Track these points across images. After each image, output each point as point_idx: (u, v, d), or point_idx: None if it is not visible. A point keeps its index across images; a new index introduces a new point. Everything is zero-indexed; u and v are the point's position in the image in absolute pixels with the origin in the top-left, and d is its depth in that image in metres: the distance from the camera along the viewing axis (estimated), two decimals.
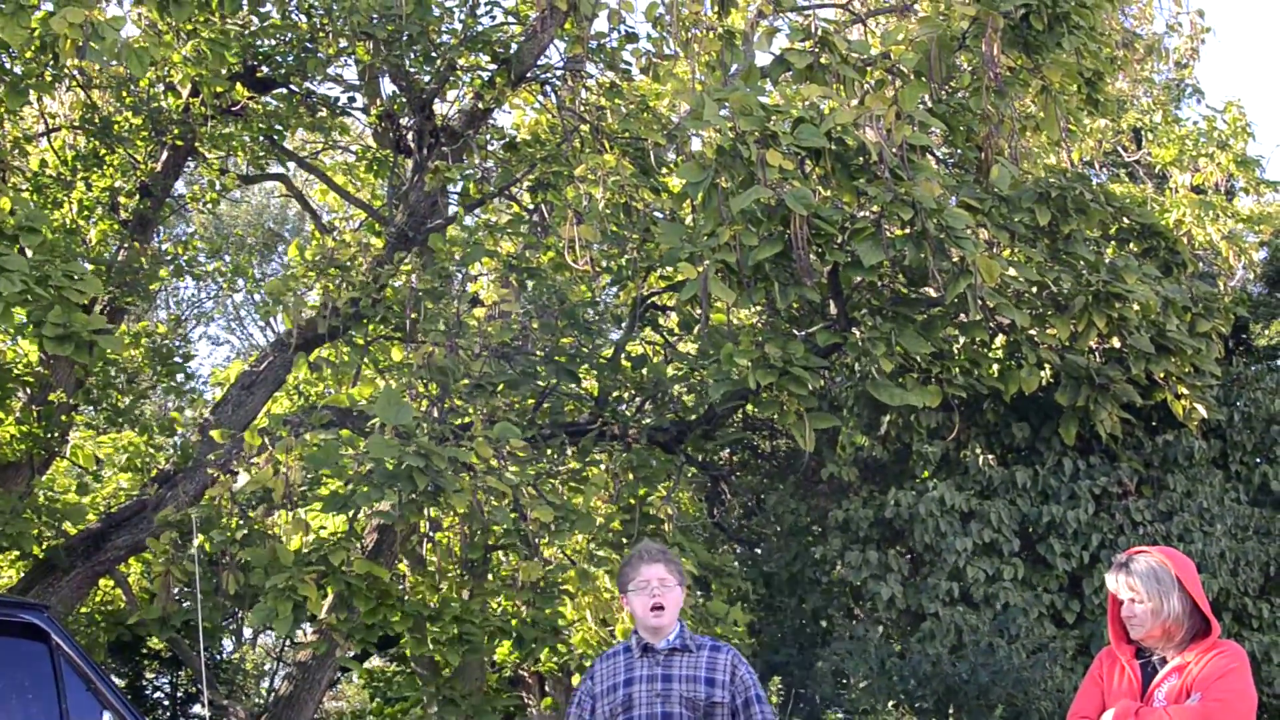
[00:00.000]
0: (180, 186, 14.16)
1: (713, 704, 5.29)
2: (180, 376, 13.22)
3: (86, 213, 11.90)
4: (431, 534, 10.99)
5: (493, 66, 11.61)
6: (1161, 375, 11.58)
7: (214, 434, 10.41)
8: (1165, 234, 12.26)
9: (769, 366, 9.26)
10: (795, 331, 10.94)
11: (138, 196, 11.88)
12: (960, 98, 10.57)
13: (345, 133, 13.78)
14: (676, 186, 11.58)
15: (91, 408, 12.31)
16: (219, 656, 17.56)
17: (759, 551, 15.12)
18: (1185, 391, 11.73)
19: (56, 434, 10.94)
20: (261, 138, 12.33)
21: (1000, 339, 11.90)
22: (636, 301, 11.89)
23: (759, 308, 12.46)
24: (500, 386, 10.70)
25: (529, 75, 11.85)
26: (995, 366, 11.68)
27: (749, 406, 11.53)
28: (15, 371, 10.93)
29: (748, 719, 5.34)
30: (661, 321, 13.39)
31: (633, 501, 11.38)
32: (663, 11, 11.60)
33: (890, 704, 12.42)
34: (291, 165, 14.43)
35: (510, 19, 12.24)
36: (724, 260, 9.02)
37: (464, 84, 12.09)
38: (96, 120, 11.48)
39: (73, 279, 8.29)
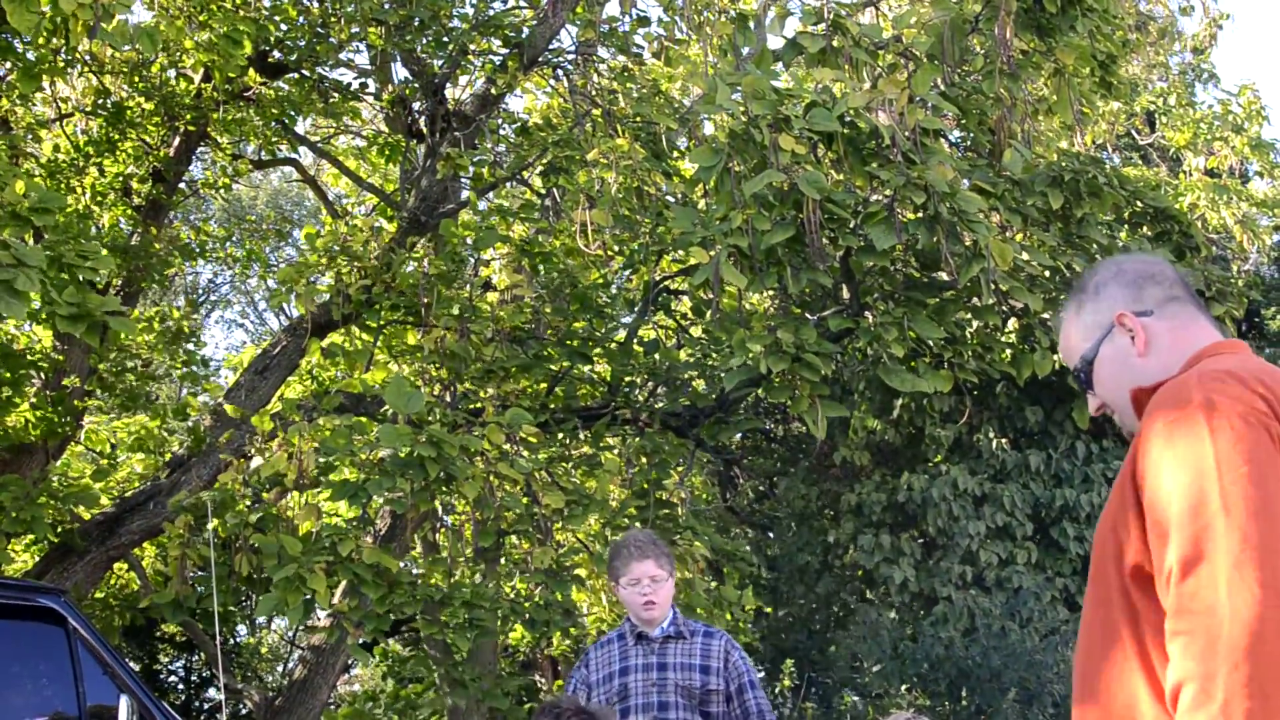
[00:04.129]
0: (197, 171, 14.17)
1: (708, 691, 5.28)
2: (195, 364, 13.24)
3: (99, 198, 11.92)
4: (444, 519, 11.00)
5: (504, 51, 11.61)
6: None
7: (229, 409, 10.43)
8: (1179, 218, 12.21)
9: (781, 352, 9.25)
10: (807, 316, 10.92)
11: (150, 182, 11.90)
12: (973, 81, 10.54)
13: (357, 118, 13.78)
14: (689, 171, 11.56)
15: (106, 392, 12.35)
16: (234, 640, 17.62)
17: (771, 535, 15.13)
18: None
19: (70, 419, 10.98)
20: (273, 123, 12.34)
21: (1013, 323, 11.87)
22: (649, 286, 11.89)
23: (771, 292, 12.46)
24: (513, 371, 10.71)
25: (541, 60, 11.84)
26: (1008, 350, 11.66)
27: (761, 391, 11.53)
28: (30, 356, 10.96)
29: (741, 704, 5.34)
30: (674, 306, 13.40)
31: (645, 486, 11.39)
32: None
33: (904, 687, 12.45)
34: (303, 150, 14.44)
35: (522, 3, 12.23)
36: (736, 245, 9.00)
37: (476, 69, 12.09)
38: (109, 105, 11.50)
39: (86, 259, 8.30)
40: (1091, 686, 2.34)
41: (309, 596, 8.56)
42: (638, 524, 11.37)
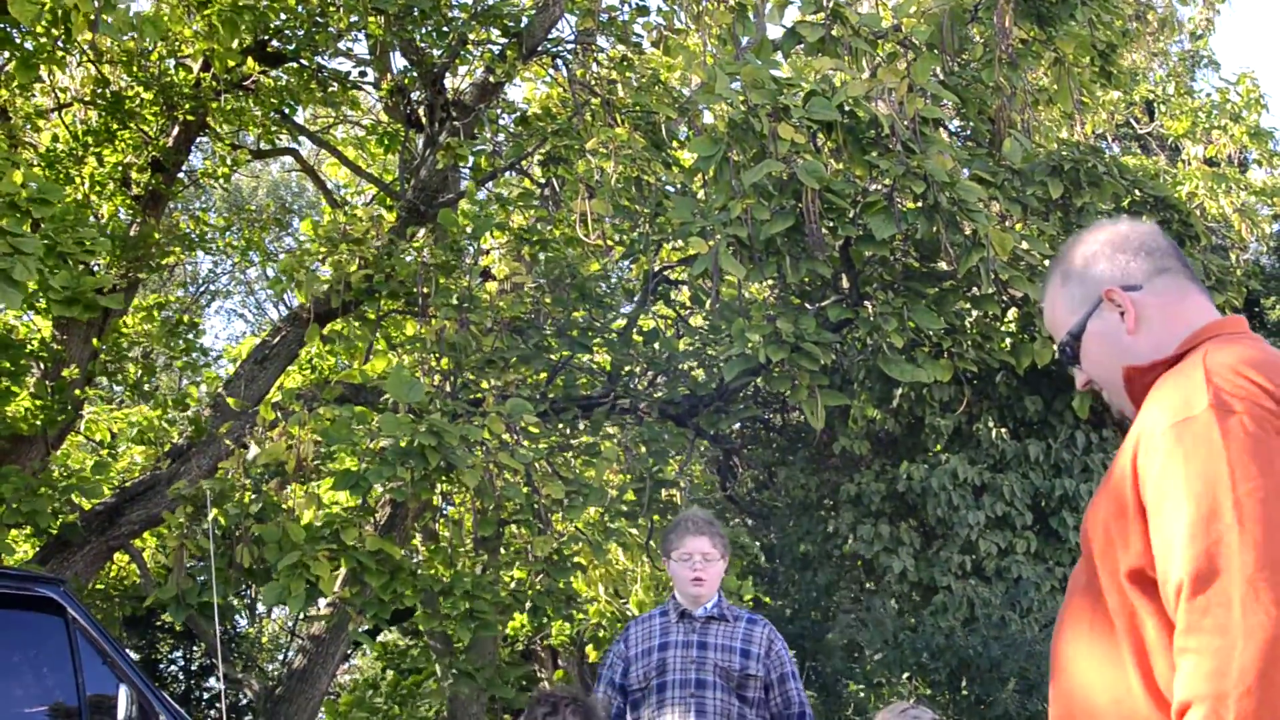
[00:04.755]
0: (196, 161, 14.15)
1: (746, 675, 5.28)
2: (195, 353, 13.24)
3: (98, 188, 11.90)
4: (444, 509, 11.00)
5: (504, 40, 11.59)
6: None
7: (230, 402, 10.44)
8: (1178, 206, 12.22)
9: (780, 342, 9.25)
10: (807, 306, 10.92)
11: (149, 172, 11.88)
12: (973, 70, 10.53)
13: (356, 107, 13.77)
14: (688, 160, 11.56)
15: (105, 380, 12.35)
16: (233, 630, 17.64)
17: (770, 525, 15.14)
18: None
19: (70, 409, 10.98)
20: (273, 113, 12.32)
21: (1013, 312, 11.89)
22: (648, 275, 11.89)
23: (770, 282, 12.46)
24: (512, 361, 10.71)
25: (540, 49, 11.83)
26: (1008, 340, 11.67)
27: (760, 381, 11.53)
28: (29, 347, 10.96)
29: (782, 694, 5.35)
30: (673, 296, 13.40)
31: (644, 474, 11.41)
32: None
33: (904, 676, 12.46)
34: (303, 140, 14.43)
35: None
36: (735, 234, 9.01)
37: (475, 58, 12.08)
38: (108, 95, 11.48)
39: (83, 245, 8.30)
40: (1074, 673, 2.28)
41: (312, 583, 8.57)
42: (638, 509, 11.39)
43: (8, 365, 10.23)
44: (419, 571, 9.92)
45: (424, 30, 11.38)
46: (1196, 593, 2.02)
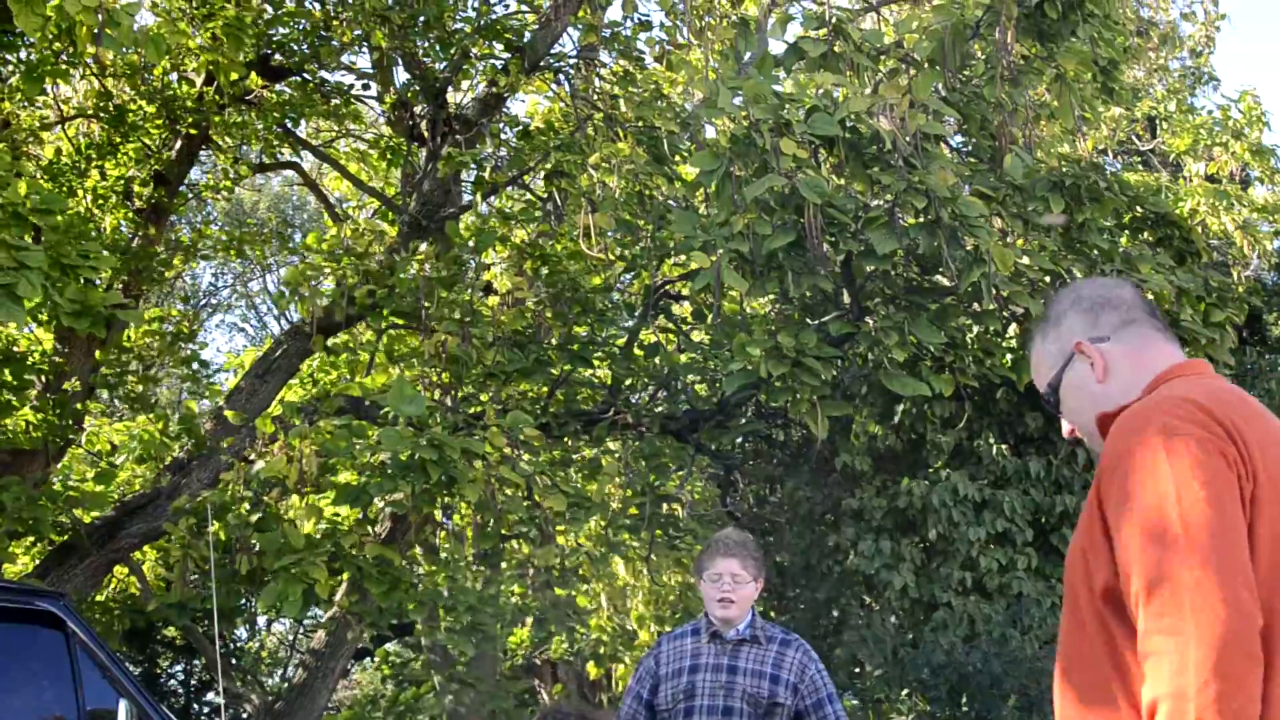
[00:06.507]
0: (199, 174, 14.15)
1: (774, 704, 5.19)
2: (195, 364, 13.24)
3: (101, 201, 11.91)
4: (446, 522, 10.98)
5: (507, 54, 11.61)
6: None
7: (230, 415, 10.43)
8: (1179, 223, 12.22)
9: (782, 356, 9.24)
10: (808, 321, 10.92)
11: (152, 185, 11.89)
12: (974, 86, 10.54)
13: (359, 121, 13.78)
14: (690, 175, 11.57)
15: (107, 392, 12.34)
16: (234, 644, 17.61)
17: (772, 540, 15.13)
18: None
19: (71, 421, 10.97)
20: (275, 126, 12.33)
21: (1014, 328, 11.88)
22: (650, 290, 11.89)
23: (772, 297, 12.46)
24: (513, 375, 10.70)
25: (543, 63, 11.84)
26: (1009, 355, 11.66)
27: (762, 395, 11.53)
28: (31, 360, 10.95)
29: (820, 719, 5.29)
30: (675, 310, 13.39)
31: (644, 489, 11.39)
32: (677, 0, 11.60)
33: (904, 693, 12.44)
34: (305, 153, 14.45)
35: (524, 7, 12.23)
36: (737, 249, 9.00)
37: (478, 72, 12.09)
38: (111, 108, 11.49)
39: (87, 258, 8.30)
40: (1067, 702, 2.41)
41: (309, 588, 8.52)
42: (639, 524, 11.38)
43: (9, 379, 10.23)
44: (420, 585, 9.92)
45: (427, 43, 11.39)
46: (1151, 599, 2.20)
